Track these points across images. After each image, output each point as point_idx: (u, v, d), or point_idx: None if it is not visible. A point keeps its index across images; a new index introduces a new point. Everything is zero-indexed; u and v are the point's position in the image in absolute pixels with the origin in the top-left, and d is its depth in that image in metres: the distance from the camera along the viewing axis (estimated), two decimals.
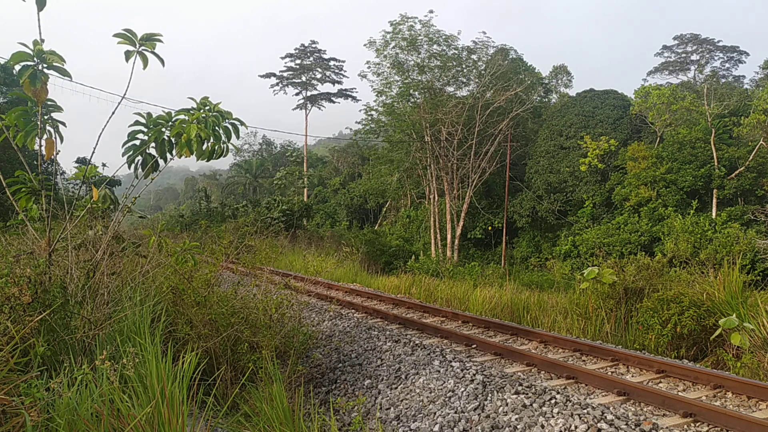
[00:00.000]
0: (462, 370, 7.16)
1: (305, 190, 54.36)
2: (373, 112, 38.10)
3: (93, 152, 5.86)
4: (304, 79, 56.92)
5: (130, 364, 3.94)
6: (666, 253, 23.73)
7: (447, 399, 6.50)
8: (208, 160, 5.87)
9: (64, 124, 5.54)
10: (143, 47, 5.20)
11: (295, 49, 56.34)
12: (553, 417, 5.67)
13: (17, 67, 4.79)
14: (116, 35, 5.14)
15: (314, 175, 57.90)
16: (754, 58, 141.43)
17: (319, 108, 58.64)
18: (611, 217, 32.31)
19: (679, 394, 6.59)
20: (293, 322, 7.87)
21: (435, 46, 34.97)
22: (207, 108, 5.74)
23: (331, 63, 56.61)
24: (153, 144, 5.74)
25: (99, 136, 5.69)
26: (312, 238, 37.26)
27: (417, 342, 8.70)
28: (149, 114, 5.78)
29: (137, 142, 5.78)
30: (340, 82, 57.19)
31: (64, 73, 4.94)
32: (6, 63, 17.37)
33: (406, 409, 6.53)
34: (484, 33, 57.64)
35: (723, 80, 49.35)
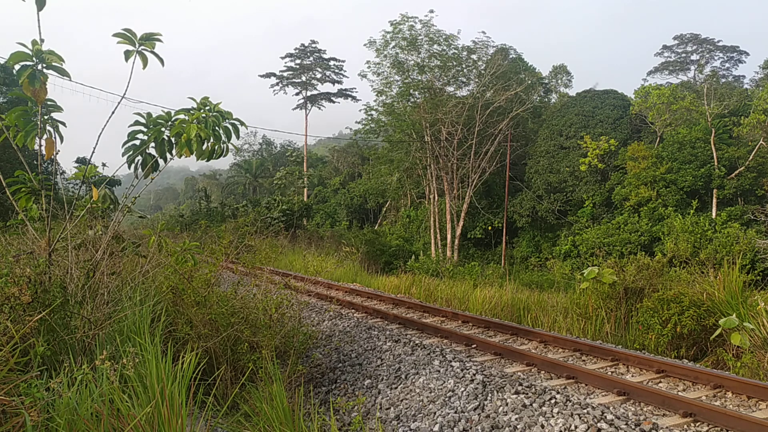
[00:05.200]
0: (462, 370, 7.16)
1: (305, 190, 54.35)
2: (373, 112, 38.14)
3: (93, 152, 5.86)
4: (304, 78, 56.91)
5: (130, 364, 3.94)
6: (666, 253, 23.73)
7: (447, 399, 6.50)
8: (208, 160, 5.87)
9: (64, 124, 5.54)
10: (143, 47, 5.19)
11: (295, 49, 56.37)
12: (553, 417, 5.67)
13: (17, 67, 4.78)
14: (116, 35, 5.13)
15: (314, 175, 57.89)
16: (754, 58, 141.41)
17: (319, 108, 58.68)
18: (611, 217, 32.31)
19: (679, 394, 6.59)
20: (293, 321, 7.86)
21: (435, 46, 35.00)
22: (207, 108, 5.74)
23: (331, 63, 56.64)
24: (153, 144, 5.73)
25: (99, 136, 5.68)
26: (312, 238, 37.28)
27: (417, 342, 8.70)
28: (149, 114, 5.77)
29: (137, 142, 5.78)
30: (340, 82, 57.26)
31: (63, 73, 4.93)
32: (5, 63, 17.36)
33: (406, 408, 6.53)
34: (484, 33, 57.76)
35: (723, 80, 49.36)
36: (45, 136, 5.28)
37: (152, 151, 5.81)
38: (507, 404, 6.07)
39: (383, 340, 9.09)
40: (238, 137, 6.02)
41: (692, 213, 28.15)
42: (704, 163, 30.64)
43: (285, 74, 57.12)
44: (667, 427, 5.46)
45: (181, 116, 5.69)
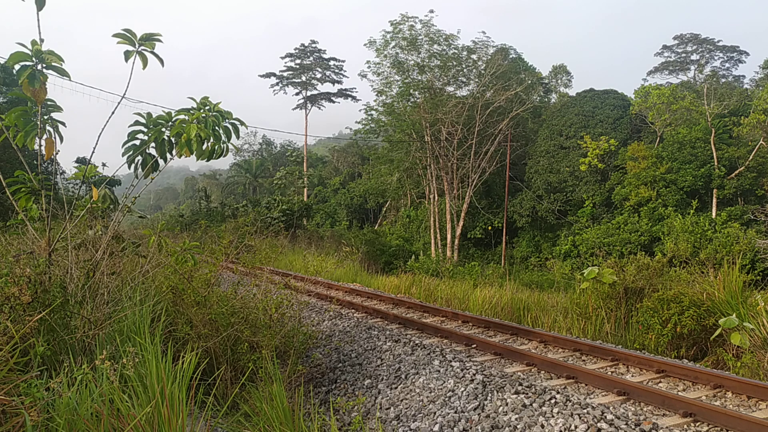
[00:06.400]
0: (462, 370, 7.16)
1: (305, 189, 54.34)
2: (373, 112, 38.19)
3: (93, 152, 5.86)
4: (303, 78, 56.91)
5: (130, 364, 3.94)
6: (666, 253, 23.72)
7: (447, 399, 6.50)
8: (208, 160, 5.87)
9: (63, 124, 5.54)
10: (142, 47, 5.20)
11: (295, 49, 56.38)
12: (553, 417, 5.67)
13: (17, 67, 4.78)
14: (116, 35, 5.13)
15: (314, 175, 57.90)
16: (754, 58, 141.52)
17: (319, 108, 58.69)
18: (611, 217, 32.32)
19: (679, 393, 6.59)
20: (293, 321, 7.86)
21: (435, 46, 35.03)
22: (207, 108, 5.74)
23: (331, 63, 56.66)
24: (153, 144, 5.74)
25: (99, 136, 5.69)
26: (312, 237, 37.26)
27: (417, 342, 8.70)
28: (149, 114, 5.78)
29: (137, 142, 5.78)
30: (340, 82, 57.27)
31: (63, 73, 4.93)
32: (5, 63, 17.35)
33: (406, 408, 6.53)
34: (484, 33, 57.81)
35: (723, 80, 49.36)
36: (45, 136, 5.28)
37: (152, 151, 5.82)
38: (507, 404, 6.07)
39: (383, 340, 9.09)
40: (238, 137, 6.03)
41: (692, 213, 28.16)
42: (704, 163, 30.65)
43: (285, 74, 57.14)
44: (667, 427, 5.46)
45: (181, 116, 5.69)
